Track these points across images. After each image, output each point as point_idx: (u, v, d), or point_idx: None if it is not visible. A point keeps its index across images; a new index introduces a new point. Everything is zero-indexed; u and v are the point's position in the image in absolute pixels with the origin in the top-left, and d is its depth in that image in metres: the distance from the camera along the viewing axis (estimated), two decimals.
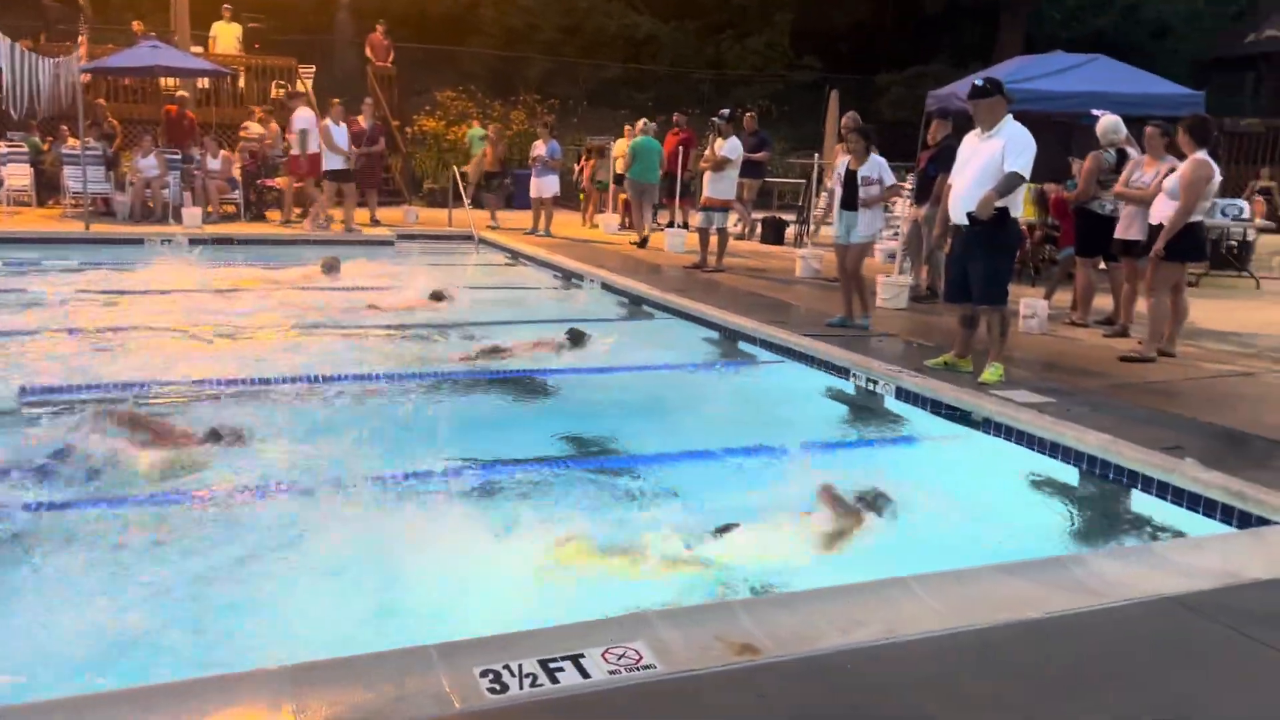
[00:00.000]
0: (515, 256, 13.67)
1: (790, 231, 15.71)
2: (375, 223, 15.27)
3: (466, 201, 15.55)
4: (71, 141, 14.85)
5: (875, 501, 4.48)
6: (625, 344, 8.16)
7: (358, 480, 4.52)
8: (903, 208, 11.65)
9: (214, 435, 5.13)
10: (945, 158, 9.06)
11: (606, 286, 10.92)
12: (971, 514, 4.46)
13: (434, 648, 2.77)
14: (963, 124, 10.22)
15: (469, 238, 14.85)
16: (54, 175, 15.54)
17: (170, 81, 18.11)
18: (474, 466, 4.96)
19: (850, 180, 8.16)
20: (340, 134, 14.06)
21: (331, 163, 14.14)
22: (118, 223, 14.15)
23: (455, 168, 16.32)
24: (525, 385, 6.92)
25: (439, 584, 3.67)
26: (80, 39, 15.27)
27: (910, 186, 10.73)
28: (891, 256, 11.25)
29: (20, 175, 15.35)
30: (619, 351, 7.88)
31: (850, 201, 8.17)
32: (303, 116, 14.21)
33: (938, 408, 5.95)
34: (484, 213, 16.00)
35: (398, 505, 4.38)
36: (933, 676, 2.83)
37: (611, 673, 2.72)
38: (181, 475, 4.70)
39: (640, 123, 15.83)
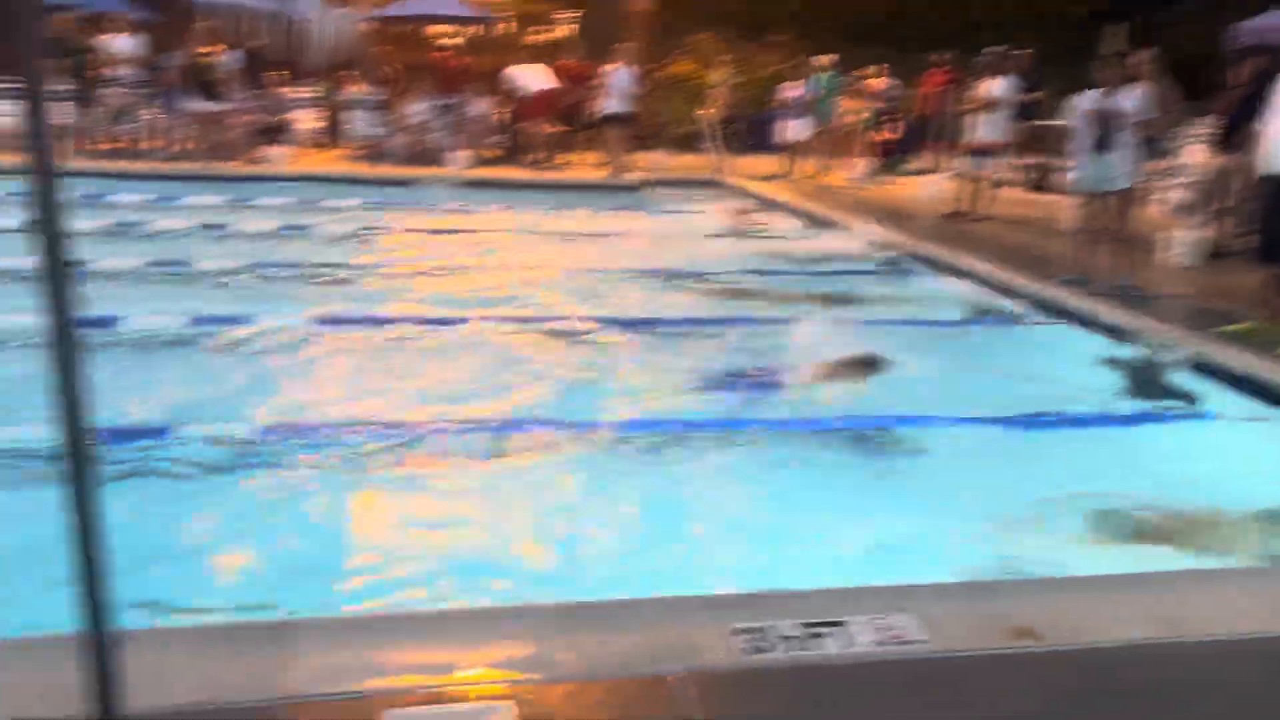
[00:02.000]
0: (762, 203, 13.46)
1: (1061, 178, 14.58)
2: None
3: (713, 147, 15.48)
4: (352, 88, 15.96)
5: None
6: (874, 297, 7.86)
7: None
8: (1198, 154, 10.50)
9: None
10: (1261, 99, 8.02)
11: (859, 234, 10.55)
12: None
13: (695, 600, 2.74)
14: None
15: (715, 183, 14.77)
16: (340, 119, 16.78)
17: (444, 29, 19.04)
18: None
19: (1102, 116, 7.24)
20: (623, 77, 14.26)
21: (610, 106, 14.43)
22: (393, 164, 15.10)
23: (703, 112, 16.25)
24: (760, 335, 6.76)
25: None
26: None
27: (1208, 131, 9.64)
28: (1184, 209, 10.19)
29: (311, 119, 16.66)
30: (867, 306, 7.60)
31: (1105, 142, 7.26)
32: (509, 73, 15.47)
33: (1242, 383, 5.32)
34: (732, 158, 15.90)
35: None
36: (1235, 683, 2.52)
37: (878, 644, 2.59)
38: None
39: (825, 58, 15.72)
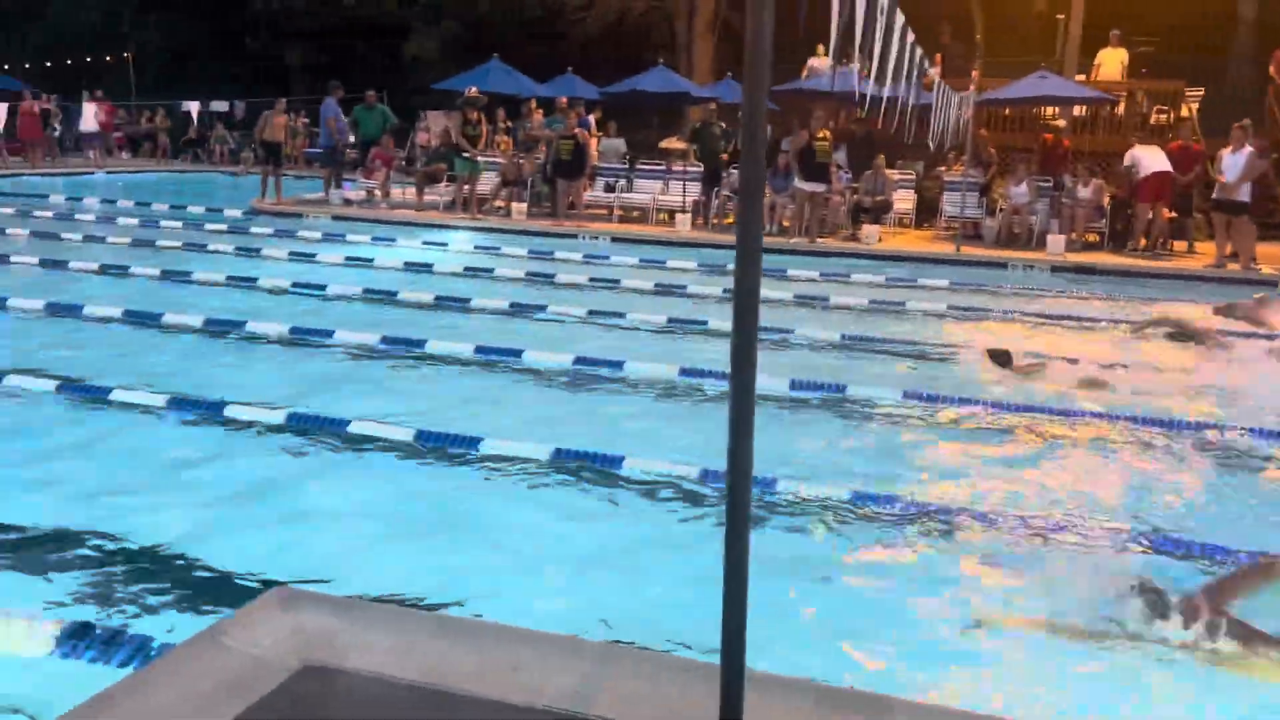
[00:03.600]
0: None
1: None
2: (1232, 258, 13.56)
3: None
4: (955, 169, 16.12)
5: None
6: None
7: None
8: None
9: None
10: None
11: None
12: None
13: None
14: None
15: None
16: (933, 200, 17.04)
17: (1049, 110, 18.46)
18: None
19: None
20: (1234, 161, 12.82)
21: (1220, 191, 13.04)
22: (984, 246, 14.90)
23: None
24: None
25: None
26: (974, 73, 16.40)
27: None
28: None
29: (905, 199, 17.13)
30: None
31: None
32: (1132, 153, 14.29)
33: None
34: None
35: None
36: None
37: None
38: None
39: None
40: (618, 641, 2.76)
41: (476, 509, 4.44)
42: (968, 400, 6.38)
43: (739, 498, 2.03)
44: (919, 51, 8.78)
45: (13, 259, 10.94)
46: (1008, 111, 19.00)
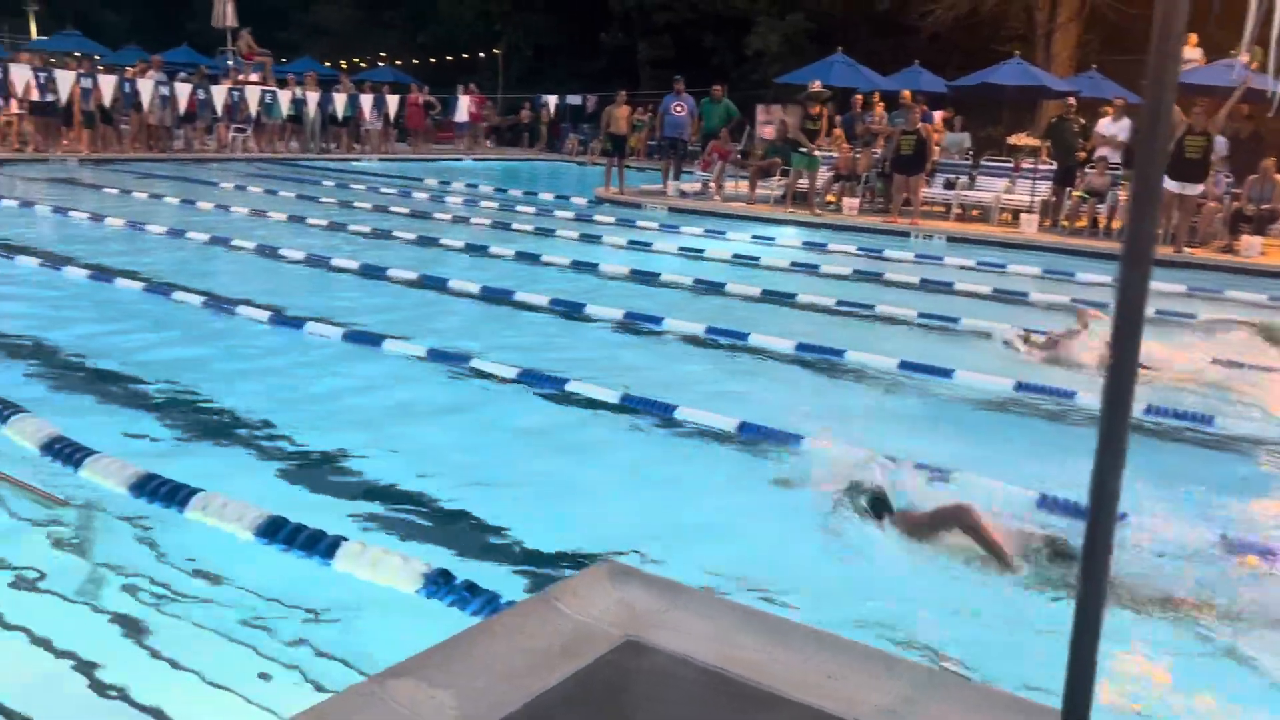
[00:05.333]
0: None
1: None
2: None
3: None
4: None
5: None
6: None
7: None
8: None
9: None
10: None
11: None
12: None
13: None
14: None
15: None
16: None
17: None
18: None
19: None
20: None
21: None
22: None
23: None
24: None
25: None
26: None
27: None
28: None
29: None
30: None
31: None
32: None
33: None
34: None
35: None
36: None
37: None
38: None
39: None
40: (940, 667, 2.61)
41: (789, 505, 4.41)
42: None
43: (1100, 534, 1.84)
44: None
45: (394, 233, 12.30)
46: None
